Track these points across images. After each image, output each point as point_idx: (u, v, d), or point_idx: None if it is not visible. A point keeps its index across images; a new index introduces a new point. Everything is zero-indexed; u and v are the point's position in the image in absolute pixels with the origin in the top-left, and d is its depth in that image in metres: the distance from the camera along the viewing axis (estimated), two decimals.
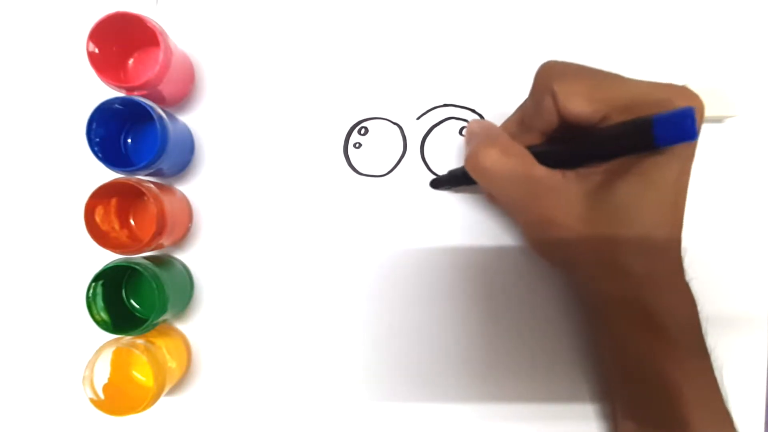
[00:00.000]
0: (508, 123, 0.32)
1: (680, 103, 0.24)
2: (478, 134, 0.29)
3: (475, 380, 0.38)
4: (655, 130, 0.22)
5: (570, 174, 0.27)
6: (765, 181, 0.38)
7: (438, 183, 0.38)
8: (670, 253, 0.27)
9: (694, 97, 0.25)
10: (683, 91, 0.26)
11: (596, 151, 0.26)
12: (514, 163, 0.27)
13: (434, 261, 0.38)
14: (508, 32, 0.38)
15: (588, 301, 0.32)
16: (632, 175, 0.25)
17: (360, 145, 0.38)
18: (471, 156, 0.28)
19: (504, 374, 0.38)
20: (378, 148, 0.38)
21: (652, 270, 0.27)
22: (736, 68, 0.38)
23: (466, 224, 0.38)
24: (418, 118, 0.38)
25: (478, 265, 0.38)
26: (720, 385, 0.29)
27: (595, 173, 0.27)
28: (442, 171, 0.38)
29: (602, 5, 0.38)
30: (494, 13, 0.38)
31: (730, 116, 0.37)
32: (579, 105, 0.26)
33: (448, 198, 0.38)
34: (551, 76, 0.27)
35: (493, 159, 0.27)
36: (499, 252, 0.38)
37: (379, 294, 0.38)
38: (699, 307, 0.29)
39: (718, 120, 0.38)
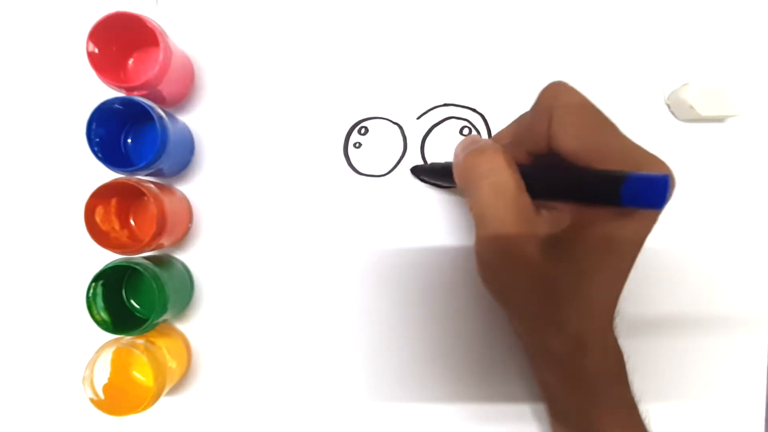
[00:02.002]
0: (503, 132, 0.32)
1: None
2: (480, 141, 0.28)
3: (475, 380, 0.38)
4: (624, 187, 0.22)
5: (544, 213, 0.27)
6: (765, 181, 0.38)
7: (418, 171, 0.38)
8: (608, 313, 0.27)
9: (672, 176, 0.25)
10: (663, 166, 0.25)
11: (568, 192, 0.26)
12: (512, 178, 0.26)
13: (434, 261, 0.38)
14: (508, 32, 0.38)
15: (525, 349, 0.32)
16: (593, 235, 0.25)
17: (360, 145, 0.38)
18: (470, 156, 0.27)
19: (504, 374, 0.38)
20: (378, 148, 0.38)
21: (588, 332, 0.27)
22: (738, 68, 0.38)
23: (465, 224, 0.38)
24: (418, 118, 0.38)
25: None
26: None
27: (564, 216, 0.26)
28: None
29: (604, 5, 0.38)
30: (494, 13, 0.38)
31: (732, 116, 0.36)
32: (569, 140, 0.25)
33: (448, 198, 0.38)
34: (555, 99, 0.26)
35: (494, 165, 0.26)
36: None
37: (379, 294, 0.38)
38: (626, 359, 0.29)
39: (719, 119, 0.38)
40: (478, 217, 0.27)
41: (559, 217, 0.26)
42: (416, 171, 0.38)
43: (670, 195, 0.24)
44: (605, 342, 0.28)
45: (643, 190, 0.21)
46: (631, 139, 0.25)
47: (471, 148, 0.28)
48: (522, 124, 0.29)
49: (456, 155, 0.29)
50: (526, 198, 0.26)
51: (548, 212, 0.26)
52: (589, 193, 0.24)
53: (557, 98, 0.26)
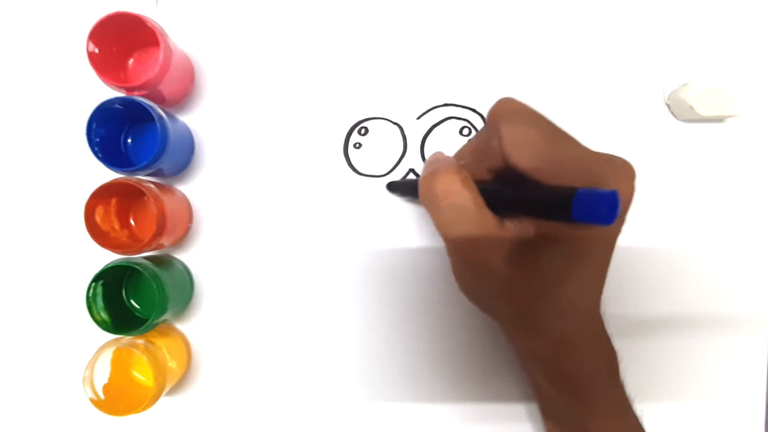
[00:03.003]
0: (464, 149, 0.31)
1: (612, 183, 0.24)
2: (438, 161, 0.28)
3: (472, 380, 0.38)
4: (574, 206, 0.21)
5: (508, 223, 0.26)
6: (765, 181, 0.38)
7: (393, 187, 0.38)
8: (589, 317, 0.27)
9: (629, 176, 0.25)
10: (622, 169, 0.25)
11: (525, 208, 0.26)
12: (469, 196, 0.26)
13: (433, 261, 0.38)
14: (508, 32, 0.38)
15: (514, 352, 0.33)
16: (559, 242, 0.25)
17: (360, 145, 0.38)
18: (427, 177, 0.27)
19: (501, 375, 0.38)
20: (378, 148, 0.38)
21: (569, 333, 0.27)
22: (738, 68, 0.38)
23: None
24: (418, 118, 0.38)
25: None
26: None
27: (529, 227, 0.26)
28: None
29: (605, 5, 0.38)
30: (494, 13, 0.38)
31: (732, 116, 0.36)
32: (520, 158, 0.25)
33: None
34: (502, 117, 0.26)
35: (450, 186, 0.26)
36: None
37: (378, 294, 0.38)
38: (619, 359, 0.29)
39: (719, 119, 0.38)
40: (442, 236, 0.27)
41: (525, 226, 0.26)
42: (391, 187, 0.38)
43: (627, 205, 0.25)
44: (589, 342, 0.28)
45: (592, 206, 0.21)
46: (589, 147, 0.25)
47: (428, 170, 0.28)
48: (480, 141, 0.29)
49: (422, 171, 0.29)
50: (486, 213, 0.26)
51: (513, 223, 0.26)
52: (542, 210, 0.24)
53: (504, 115, 0.26)
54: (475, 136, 0.31)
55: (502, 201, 0.26)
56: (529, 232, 0.26)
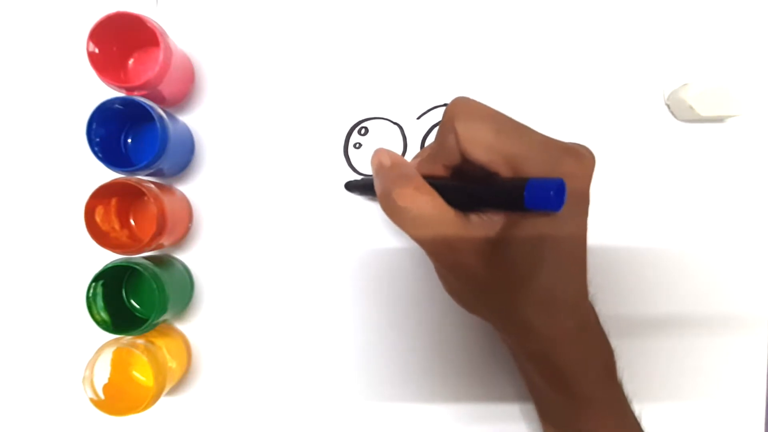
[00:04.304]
0: (423, 151, 0.32)
1: (565, 168, 0.24)
2: (388, 169, 0.29)
3: (469, 380, 0.38)
4: (526, 194, 0.23)
5: (474, 218, 0.27)
6: (765, 181, 0.38)
7: (352, 187, 0.37)
8: (574, 309, 0.27)
9: (585, 160, 0.25)
10: (576, 152, 0.25)
11: (481, 202, 0.27)
12: (426, 203, 0.26)
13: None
14: (508, 32, 0.38)
15: (509, 352, 0.32)
16: (526, 231, 0.25)
17: (360, 145, 0.38)
18: (384, 195, 0.28)
19: (498, 375, 0.38)
20: None
21: (556, 327, 0.27)
22: (738, 68, 0.38)
23: None
24: (418, 118, 0.38)
25: None
26: None
27: (496, 220, 0.26)
28: None
29: (605, 5, 0.38)
30: (494, 13, 0.38)
31: (732, 116, 0.36)
32: (476, 152, 0.25)
33: None
34: (457, 115, 0.26)
35: (407, 199, 0.26)
36: None
37: (378, 294, 0.38)
38: (616, 357, 0.29)
39: (719, 120, 0.38)
40: (417, 244, 0.28)
41: (491, 219, 0.26)
42: (350, 187, 0.37)
43: (584, 185, 0.25)
44: (579, 337, 0.28)
45: (540, 194, 0.22)
46: (550, 137, 0.26)
47: (381, 185, 0.28)
48: (437, 141, 0.29)
49: (375, 182, 0.30)
50: (449, 214, 0.26)
51: (479, 217, 0.27)
52: (500, 202, 0.25)
53: (458, 113, 0.26)
54: (435, 138, 0.30)
55: (464, 197, 0.27)
56: (496, 226, 0.26)
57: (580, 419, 0.29)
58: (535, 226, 0.25)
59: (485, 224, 0.26)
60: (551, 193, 0.22)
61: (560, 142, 0.26)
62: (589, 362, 0.28)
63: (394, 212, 0.27)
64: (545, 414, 0.32)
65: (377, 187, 0.29)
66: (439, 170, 0.28)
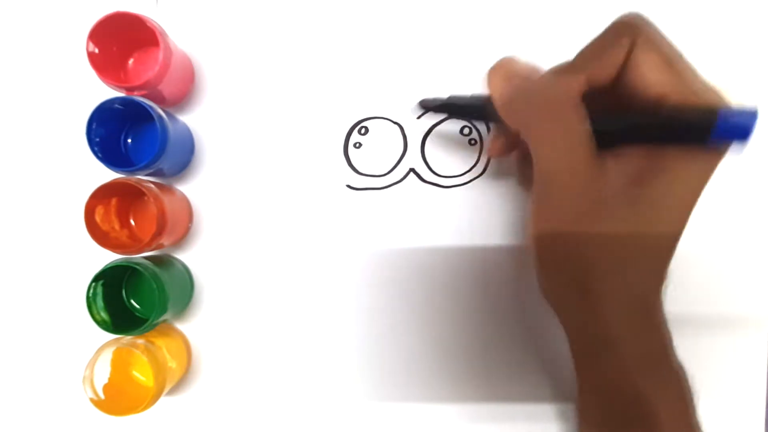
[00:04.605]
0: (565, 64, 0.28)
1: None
2: (524, 63, 0.25)
3: (475, 380, 0.38)
4: (719, 123, 0.21)
5: (611, 163, 0.24)
6: (765, 181, 0.38)
7: (427, 104, 0.34)
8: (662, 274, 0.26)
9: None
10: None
11: (647, 129, 0.24)
12: (585, 122, 0.23)
13: (434, 261, 0.38)
14: (508, 32, 0.38)
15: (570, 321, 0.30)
16: (663, 177, 0.24)
17: (360, 145, 0.38)
18: (534, 86, 0.25)
19: (504, 374, 0.38)
20: (378, 148, 0.38)
21: (645, 290, 0.26)
22: (738, 68, 0.38)
23: (464, 224, 0.38)
24: (418, 118, 0.38)
25: (477, 265, 0.38)
26: (693, 402, 0.28)
27: (629, 168, 0.24)
28: (443, 171, 0.38)
29: (604, 5, 0.38)
30: (494, 13, 0.38)
31: None
32: (651, 68, 0.23)
33: (448, 198, 0.38)
34: (641, 28, 0.24)
35: (568, 96, 0.23)
36: (496, 252, 0.38)
37: (378, 294, 0.38)
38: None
39: None
40: (541, 172, 0.24)
41: (626, 165, 0.24)
42: (427, 105, 0.34)
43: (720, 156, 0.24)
44: (655, 312, 0.27)
45: (737, 123, 0.21)
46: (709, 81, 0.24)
47: (525, 73, 0.25)
48: (587, 50, 0.26)
49: (493, 83, 0.26)
50: (594, 150, 0.23)
51: (614, 161, 0.24)
52: (672, 131, 0.23)
53: (642, 27, 0.24)
54: (581, 52, 0.26)
55: (608, 127, 0.24)
56: (632, 166, 0.24)
57: (636, 378, 0.27)
58: (673, 169, 0.23)
59: (620, 171, 0.24)
60: (750, 121, 0.21)
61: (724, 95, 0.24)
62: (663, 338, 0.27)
63: (539, 115, 0.24)
64: (591, 379, 0.30)
65: (509, 81, 0.25)
66: (580, 84, 0.25)
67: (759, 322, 0.38)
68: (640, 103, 0.24)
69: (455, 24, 0.38)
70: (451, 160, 0.38)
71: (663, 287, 0.27)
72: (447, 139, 0.38)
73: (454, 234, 0.38)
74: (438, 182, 0.38)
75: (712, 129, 0.22)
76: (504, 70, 0.27)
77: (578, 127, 0.23)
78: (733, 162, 0.37)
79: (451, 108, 0.33)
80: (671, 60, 0.24)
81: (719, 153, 0.24)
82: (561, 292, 0.28)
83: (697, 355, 0.38)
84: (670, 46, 0.24)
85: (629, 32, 0.24)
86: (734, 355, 0.38)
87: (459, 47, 0.38)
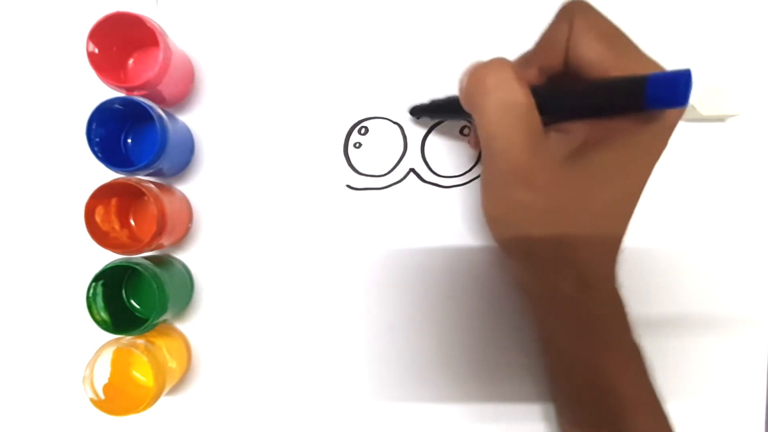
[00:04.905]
0: (519, 56, 0.30)
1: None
2: (487, 60, 0.27)
3: (478, 380, 0.38)
4: (648, 89, 0.22)
5: (554, 135, 0.26)
6: (765, 181, 0.38)
7: (417, 111, 0.36)
8: (612, 253, 0.27)
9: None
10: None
11: (585, 106, 0.25)
12: (522, 92, 0.24)
13: (435, 261, 0.38)
14: (508, 32, 0.38)
15: (528, 299, 0.32)
16: (611, 146, 0.24)
17: (360, 144, 0.38)
18: (478, 68, 0.26)
19: (508, 374, 0.38)
20: (378, 148, 0.38)
21: (592, 266, 0.27)
22: (738, 67, 0.38)
23: (464, 224, 0.38)
24: (418, 118, 0.38)
25: (477, 265, 0.38)
26: (656, 387, 0.29)
27: (574, 138, 0.25)
28: (443, 171, 0.38)
29: (603, 6, 0.38)
30: (494, 13, 0.38)
31: (733, 115, 0.36)
32: (590, 47, 0.24)
33: (448, 198, 0.38)
34: (577, 11, 0.25)
35: (503, 78, 0.24)
36: (496, 252, 0.38)
37: (379, 294, 0.38)
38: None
39: (720, 119, 0.37)
40: (485, 140, 0.25)
41: (569, 138, 0.25)
42: (415, 112, 0.37)
43: (674, 124, 0.24)
44: (608, 285, 0.28)
45: (667, 88, 0.21)
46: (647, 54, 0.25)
47: (476, 64, 0.26)
48: (537, 42, 0.28)
49: (461, 79, 0.28)
50: (536, 117, 0.24)
51: (557, 134, 0.25)
52: (608, 102, 0.24)
53: (577, 9, 0.25)
54: (537, 40, 0.28)
55: (554, 104, 0.25)
56: (575, 142, 0.25)
57: (598, 362, 0.28)
58: (621, 139, 0.24)
59: (564, 141, 0.25)
60: (681, 84, 0.21)
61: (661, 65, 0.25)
62: (612, 306, 0.28)
63: (483, 93, 0.25)
64: (558, 370, 0.32)
65: (471, 66, 0.27)
66: (533, 75, 0.27)
67: (759, 322, 0.38)
68: (582, 79, 0.25)
69: (455, 24, 0.38)
70: (451, 160, 0.38)
71: (614, 259, 0.27)
72: (447, 139, 0.38)
73: (454, 234, 0.38)
74: (438, 182, 0.38)
75: (643, 96, 0.22)
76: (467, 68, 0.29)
77: (521, 101, 0.24)
78: (733, 162, 0.38)
79: (434, 109, 0.35)
80: (609, 37, 0.25)
81: (663, 121, 0.24)
82: (517, 266, 0.30)
83: (697, 355, 0.38)
84: (607, 23, 0.25)
85: (567, 16, 0.25)
86: (734, 355, 0.38)
87: (459, 47, 0.38)
